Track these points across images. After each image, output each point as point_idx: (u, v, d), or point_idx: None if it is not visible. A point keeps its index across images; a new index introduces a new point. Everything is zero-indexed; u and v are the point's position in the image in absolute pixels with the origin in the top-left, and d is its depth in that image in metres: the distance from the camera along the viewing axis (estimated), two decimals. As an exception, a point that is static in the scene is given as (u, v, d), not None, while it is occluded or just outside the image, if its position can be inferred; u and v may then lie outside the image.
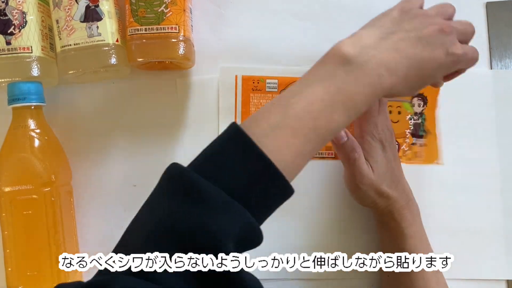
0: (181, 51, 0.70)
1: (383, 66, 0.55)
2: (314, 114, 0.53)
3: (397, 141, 0.78)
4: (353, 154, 0.67)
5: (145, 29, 0.70)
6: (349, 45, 0.57)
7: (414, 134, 0.78)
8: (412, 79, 0.58)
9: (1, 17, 0.70)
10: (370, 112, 0.70)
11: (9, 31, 0.70)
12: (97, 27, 0.69)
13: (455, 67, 0.61)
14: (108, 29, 0.70)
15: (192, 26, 0.74)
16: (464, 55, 0.59)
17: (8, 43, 0.70)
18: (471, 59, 0.61)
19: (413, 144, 0.78)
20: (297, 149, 0.53)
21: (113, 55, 0.70)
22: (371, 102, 0.56)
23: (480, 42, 0.78)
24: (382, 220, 0.71)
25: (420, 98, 0.78)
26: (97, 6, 0.69)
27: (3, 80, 0.71)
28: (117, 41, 0.71)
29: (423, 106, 0.78)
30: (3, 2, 0.70)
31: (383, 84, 0.55)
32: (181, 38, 0.70)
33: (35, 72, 0.71)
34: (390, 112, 0.78)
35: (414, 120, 0.78)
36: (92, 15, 0.69)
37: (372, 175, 0.68)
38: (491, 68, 0.79)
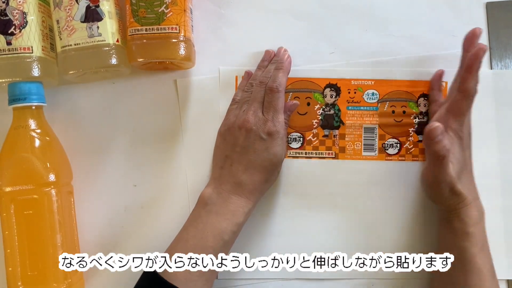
0: (181, 51, 0.70)
1: (233, 193, 0.70)
2: (191, 248, 0.67)
3: (399, 140, 0.78)
4: (444, 151, 0.66)
5: (146, 30, 0.70)
6: (206, 189, 0.72)
7: (420, 132, 0.78)
8: (263, 179, 0.72)
9: (2, 18, 0.70)
10: (460, 110, 0.69)
11: (9, 31, 0.70)
12: (98, 27, 0.69)
13: (282, 133, 0.73)
14: (108, 29, 0.70)
15: (192, 26, 0.74)
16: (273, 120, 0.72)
17: (8, 43, 0.70)
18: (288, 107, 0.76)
19: (419, 141, 0.79)
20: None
21: (114, 55, 0.70)
22: (239, 223, 0.70)
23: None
24: (447, 218, 0.71)
25: (426, 98, 0.78)
26: (98, 6, 0.69)
27: (3, 80, 0.71)
28: (117, 41, 0.71)
29: (428, 105, 0.78)
30: (3, 2, 0.69)
31: (241, 203, 0.70)
32: (181, 38, 0.70)
33: (35, 72, 0.71)
34: (394, 112, 0.78)
35: (419, 119, 0.78)
36: (92, 15, 0.69)
37: (453, 173, 0.68)
38: (491, 68, 0.79)
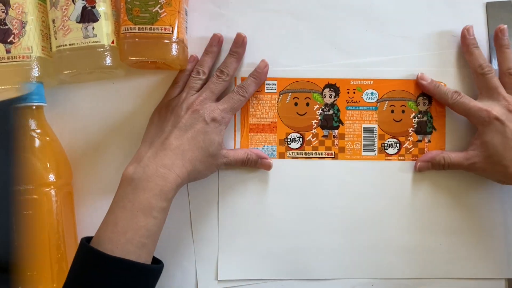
0: (173, 52, 0.70)
1: (161, 166, 0.68)
2: (122, 232, 0.65)
3: (398, 140, 0.78)
4: None
5: (139, 28, 0.70)
6: (129, 166, 0.69)
7: (419, 132, 0.78)
8: (196, 158, 0.70)
9: (1, 27, 0.71)
10: None
11: (9, 40, 0.71)
12: (93, 28, 0.70)
13: (224, 126, 0.74)
14: (103, 31, 0.70)
15: (187, 28, 0.74)
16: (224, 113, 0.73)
17: (8, 51, 0.71)
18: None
19: (418, 141, 0.78)
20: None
21: (108, 57, 0.71)
22: (170, 196, 0.68)
23: (480, 42, 0.77)
24: None
25: (425, 97, 0.78)
26: (94, 7, 0.70)
27: (3, 87, 0.72)
28: (112, 42, 0.71)
29: (428, 104, 0.78)
30: (3, 12, 0.71)
31: (170, 178, 0.67)
32: (174, 39, 0.70)
33: (35, 72, 0.72)
34: (393, 111, 0.78)
35: (418, 118, 0.78)
36: (88, 16, 0.70)
37: None
38: (491, 68, 0.78)
